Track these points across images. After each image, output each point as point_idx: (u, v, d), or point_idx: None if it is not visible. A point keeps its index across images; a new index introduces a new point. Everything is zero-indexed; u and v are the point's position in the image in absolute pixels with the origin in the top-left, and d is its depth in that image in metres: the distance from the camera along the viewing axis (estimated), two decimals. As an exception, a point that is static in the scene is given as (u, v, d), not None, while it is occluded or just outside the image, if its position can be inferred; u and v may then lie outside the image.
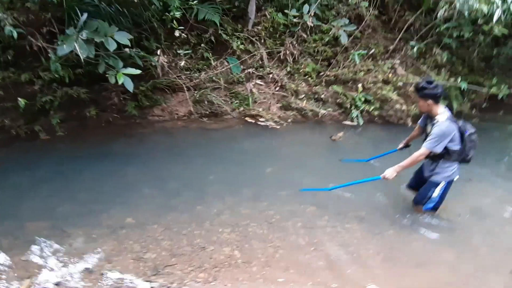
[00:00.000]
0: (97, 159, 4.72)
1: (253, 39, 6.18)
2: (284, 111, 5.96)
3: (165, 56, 5.64)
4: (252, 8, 6.16)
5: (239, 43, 6.08)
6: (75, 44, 4.41)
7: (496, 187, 4.47)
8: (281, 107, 5.99)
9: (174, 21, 5.60)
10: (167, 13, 5.59)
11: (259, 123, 5.72)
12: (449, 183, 3.43)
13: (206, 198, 3.93)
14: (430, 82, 3.16)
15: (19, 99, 5.00)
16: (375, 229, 3.57)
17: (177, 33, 5.61)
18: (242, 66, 6.07)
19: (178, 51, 5.78)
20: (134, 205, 3.81)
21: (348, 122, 5.97)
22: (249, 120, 5.77)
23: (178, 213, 3.69)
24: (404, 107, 5.94)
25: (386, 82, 6.07)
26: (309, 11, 6.08)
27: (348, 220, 3.67)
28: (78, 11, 4.70)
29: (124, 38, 4.63)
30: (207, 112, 5.80)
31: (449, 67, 6.49)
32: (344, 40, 6.15)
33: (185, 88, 5.75)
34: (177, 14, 5.59)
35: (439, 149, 3.15)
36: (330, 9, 6.61)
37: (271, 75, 6.09)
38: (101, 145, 5.08)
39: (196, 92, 5.80)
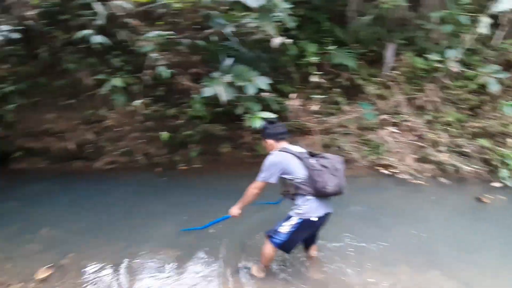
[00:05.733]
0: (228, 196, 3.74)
1: (389, 84, 5.85)
2: (421, 163, 5.42)
3: (299, 100, 5.62)
4: (389, 52, 5.88)
5: (374, 88, 5.81)
6: (220, 87, 4.60)
7: None
8: (417, 159, 5.46)
9: (310, 66, 5.59)
10: (302, 58, 5.62)
11: (393, 175, 5.29)
12: (303, 222, 2.84)
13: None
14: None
15: (161, 133, 5.41)
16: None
17: (315, 78, 5.59)
18: (376, 112, 5.75)
19: (311, 96, 5.72)
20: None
21: (496, 184, 5.14)
22: (382, 170, 5.38)
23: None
24: None
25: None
26: (453, 56, 5.57)
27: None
28: (221, 55, 4.95)
29: (263, 83, 4.69)
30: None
31: None
32: (494, 88, 5.46)
33: (315, 132, 5.63)
34: (315, 59, 5.58)
35: (273, 180, 2.88)
36: (475, 54, 6.00)
37: (407, 123, 5.65)
38: (232, 181, 5.08)
39: (325, 136, 5.64)
